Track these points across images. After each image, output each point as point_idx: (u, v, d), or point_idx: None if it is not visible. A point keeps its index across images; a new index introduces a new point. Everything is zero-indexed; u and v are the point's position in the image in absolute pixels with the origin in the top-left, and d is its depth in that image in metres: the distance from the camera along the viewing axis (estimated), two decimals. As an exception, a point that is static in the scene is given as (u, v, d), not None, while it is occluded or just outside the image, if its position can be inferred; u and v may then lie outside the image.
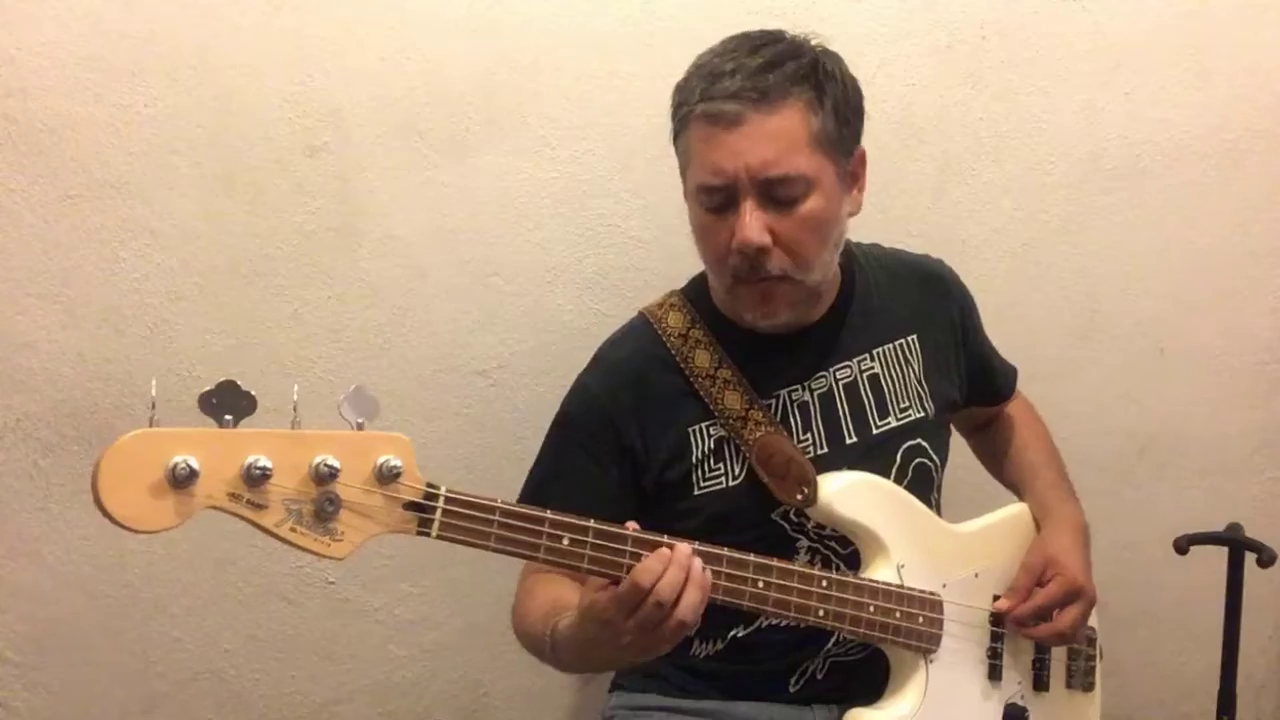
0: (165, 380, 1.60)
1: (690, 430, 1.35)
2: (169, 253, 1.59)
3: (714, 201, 1.27)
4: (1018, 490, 1.56)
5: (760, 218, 1.24)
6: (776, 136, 1.23)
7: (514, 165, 1.70)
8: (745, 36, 1.29)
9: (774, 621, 1.35)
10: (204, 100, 1.58)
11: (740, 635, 1.37)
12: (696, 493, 1.35)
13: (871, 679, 1.34)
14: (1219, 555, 1.60)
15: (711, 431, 1.35)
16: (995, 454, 1.62)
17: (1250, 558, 1.57)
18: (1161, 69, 1.88)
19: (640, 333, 1.41)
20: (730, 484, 1.35)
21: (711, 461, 1.35)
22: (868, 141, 1.81)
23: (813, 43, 1.31)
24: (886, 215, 1.81)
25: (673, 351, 1.36)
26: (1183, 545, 1.59)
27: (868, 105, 1.79)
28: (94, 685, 1.63)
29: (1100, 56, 1.87)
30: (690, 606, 1.09)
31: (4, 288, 1.55)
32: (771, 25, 1.74)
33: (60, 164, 1.54)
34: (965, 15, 1.82)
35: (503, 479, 1.71)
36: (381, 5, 1.63)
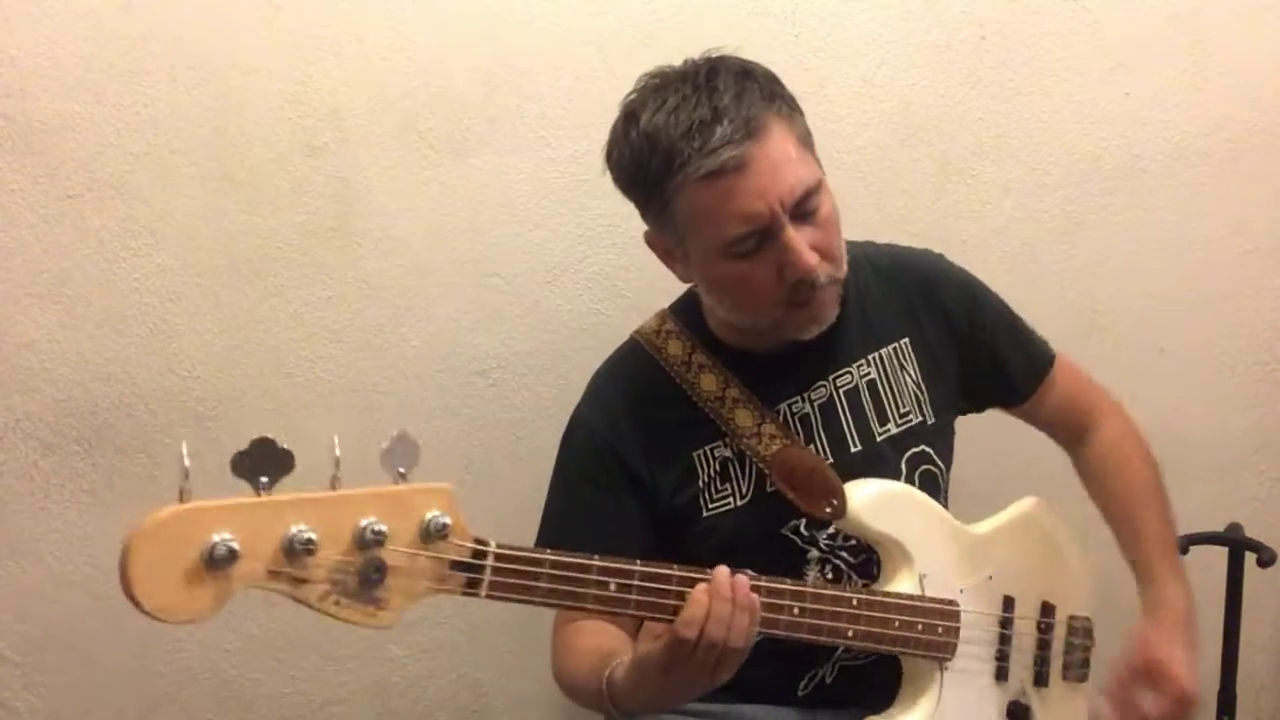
0: (165, 380, 1.61)
1: (695, 455, 1.34)
2: (169, 253, 1.59)
3: (747, 247, 1.21)
4: (1123, 546, 1.49)
5: (803, 238, 1.21)
6: (784, 158, 1.20)
7: (514, 165, 1.70)
8: (678, 79, 1.23)
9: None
10: (204, 100, 1.58)
11: None
12: (705, 515, 1.33)
13: (880, 683, 1.33)
14: (1219, 555, 1.60)
15: (716, 454, 1.34)
16: (1096, 493, 1.53)
17: (1250, 558, 1.57)
18: (1161, 69, 1.88)
19: (637, 361, 1.39)
20: (738, 503, 1.34)
21: (718, 483, 1.34)
22: (869, 141, 1.82)
23: (725, 54, 1.27)
24: (886, 215, 1.82)
25: (676, 379, 1.35)
26: (1183, 545, 1.59)
27: (868, 105, 1.81)
28: (94, 685, 1.63)
29: (1100, 56, 1.87)
30: (741, 632, 1.08)
31: (4, 288, 1.55)
32: (772, 26, 1.76)
33: (60, 164, 1.54)
34: (965, 15, 1.82)
35: (502, 479, 1.71)
36: (381, 5, 1.63)
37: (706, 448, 1.34)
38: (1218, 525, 1.63)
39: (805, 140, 1.26)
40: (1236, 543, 1.59)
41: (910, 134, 1.83)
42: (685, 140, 1.18)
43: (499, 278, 1.72)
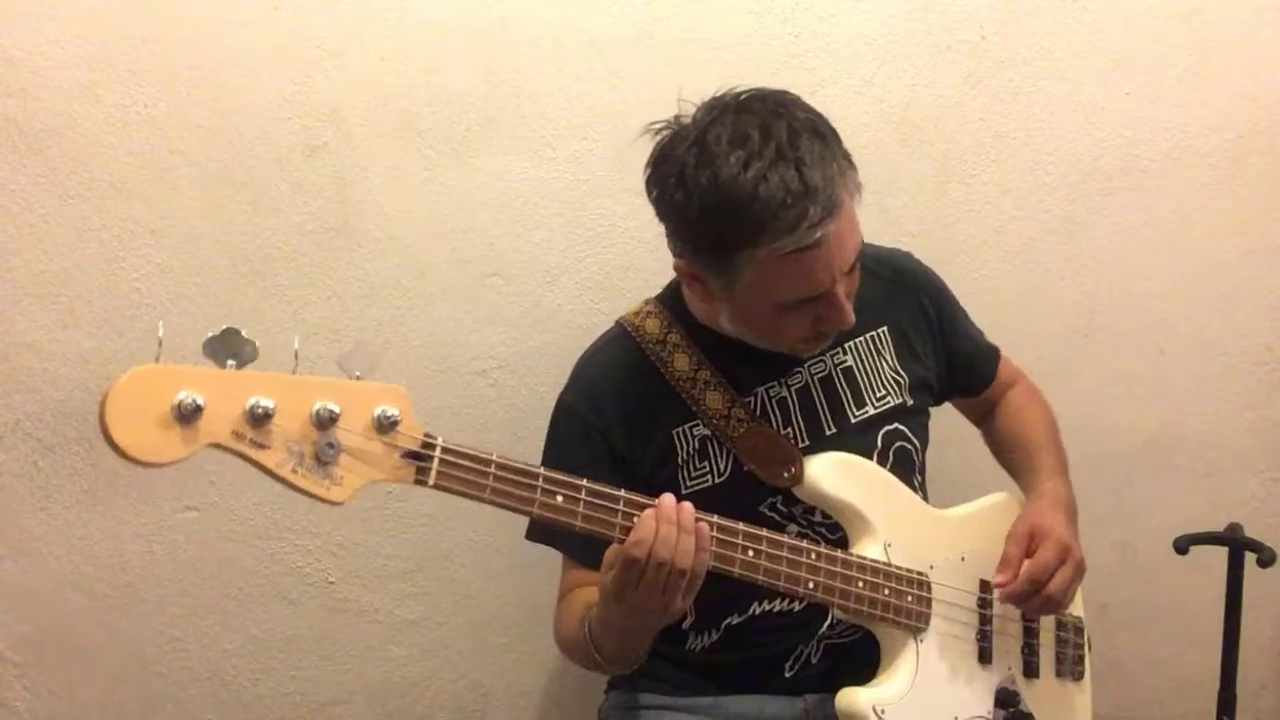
0: (165, 380, 1.61)
1: (674, 433, 1.38)
2: (169, 253, 1.59)
3: (799, 307, 1.28)
4: (1014, 473, 1.56)
5: (842, 292, 1.28)
6: (849, 231, 1.25)
7: (514, 165, 1.70)
8: (761, 137, 1.19)
9: (768, 608, 1.37)
10: (204, 100, 1.58)
11: (735, 623, 1.39)
12: (684, 492, 1.36)
13: (864, 664, 1.34)
14: (1219, 555, 1.60)
15: (695, 432, 1.38)
16: (997, 440, 1.63)
17: (1250, 558, 1.57)
18: (1161, 69, 1.88)
19: (618, 342, 1.43)
20: (716, 481, 1.37)
21: (697, 461, 1.38)
22: (869, 141, 1.82)
23: (783, 98, 1.25)
24: (887, 215, 1.82)
25: (651, 357, 1.39)
26: (1183, 545, 1.59)
27: (868, 105, 1.81)
28: (94, 685, 1.63)
29: (1100, 56, 1.87)
30: (687, 555, 1.13)
31: (4, 288, 1.55)
32: (772, 25, 1.76)
33: (60, 164, 1.54)
34: (965, 15, 1.82)
35: (503, 479, 1.71)
36: (381, 5, 1.63)
37: (685, 426, 1.38)
38: (1218, 525, 1.62)
39: (857, 198, 1.29)
40: (1236, 543, 1.58)
41: (910, 134, 1.83)
42: (774, 217, 1.17)
43: (499, 278, 1.72)
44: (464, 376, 1.72)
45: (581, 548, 1.30)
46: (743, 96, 1.25)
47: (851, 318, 1.28)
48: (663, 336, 1.39)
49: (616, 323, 1.46)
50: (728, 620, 1.39)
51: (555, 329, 1.73)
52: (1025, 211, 1.88)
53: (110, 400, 0.91)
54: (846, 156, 1.26)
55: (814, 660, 1.39)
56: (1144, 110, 1.89)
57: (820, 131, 1.24)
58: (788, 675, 1.39)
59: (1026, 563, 1.35)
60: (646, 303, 1.45)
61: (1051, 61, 1.85)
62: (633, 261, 1.75)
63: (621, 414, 1.37)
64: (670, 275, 1.49)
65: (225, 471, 1.62)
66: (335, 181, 1.64)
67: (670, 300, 1.44)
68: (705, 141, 1.21)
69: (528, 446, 1.72)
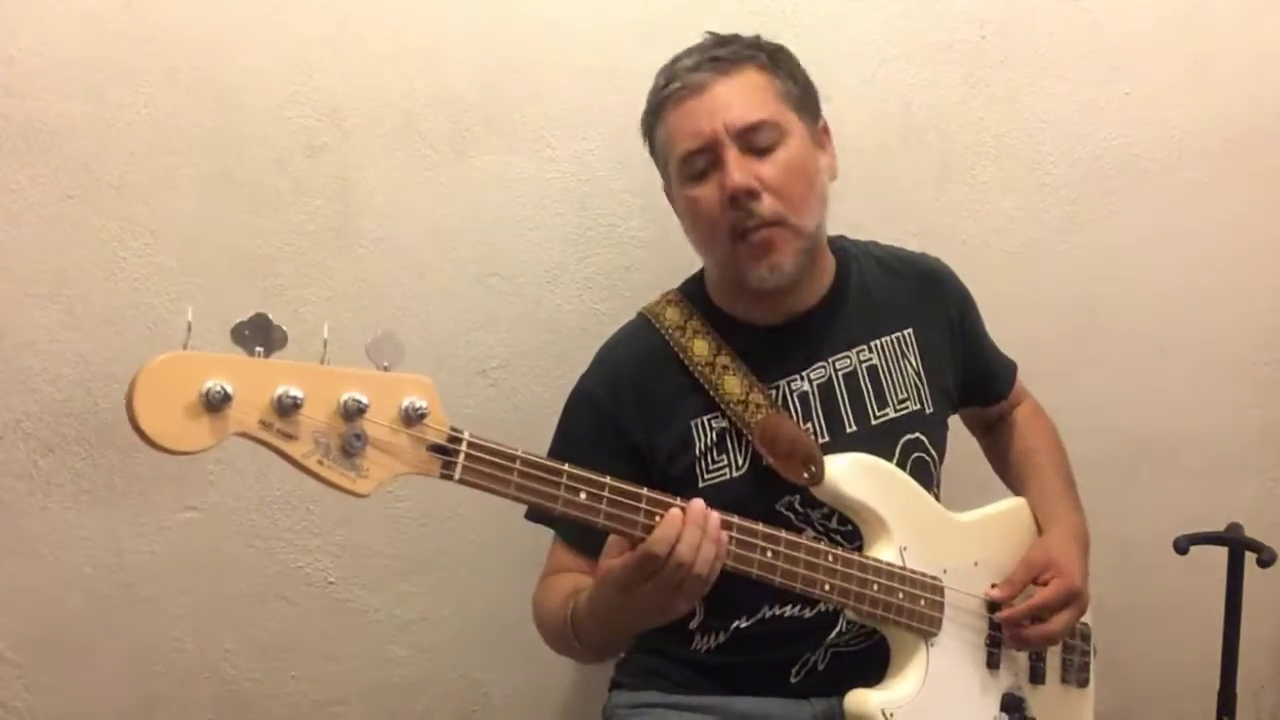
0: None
1: (692, 424, 1.37)
2: (169, 253, 1.59)
3: (698, 168, 1.32)
4: (1021, 494, 1.55)
5: (744, 164, 1.29)
6: (744, 90, 1.31)
7: (514, 165, 1.70)
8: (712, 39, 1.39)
9: (778, 613, 1.36)
10: (204, 100, 1.58)
11: (743, 626, 1.38)
12: (701, 485, 1.36)
13: (871, 670, 1.34)
14: (1219, 555, 1.60)
15: (714, 424, 1.37)
16: (1002, 456, 1.63)
17: (1250, 558, 1.57)
18: (1161, 69, 1.89)
19: (638, 332, 1.44)
20: (734, 474, 1.36)
21: (715, 454, 1.37)
22: (869, 141, 1.82)
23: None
24: (887, 215, 1.82)
25: (671, 344, 1.39)
26: (1183, 545, 1.59)
27: (868, 105, 1.81)
28: (94, 685, 1.63)
29: (1100, 56, 1.87)
30: (706, 561, 1.13)
31: (4, 288, 1.55)
32: (772, 25, 1.75)
33: (60, 164, 1.54)
34: (965, 15, 1.82)
35: (503, 479, 1.71)
36: (381, 5, 1.63)
37: (704, 418, 1.37)
38: (1218, 525, 1.63)
39: (788, 96, 1.34)
40: (1236, 543, 1.59)
41: (910, 134, 1.83)
42: (664, 72, 1.36)
43: (499, 278, 1.72)
44: (464, 376, 1.72)
45: (580, 533, 1.30)
46: None
47: (739, 178, 1.28)
48: (682, 323, 1.40)
49: (638, 314, 1.46)
50: (735, 623, 1.38)
51: (555, 329, 1.73)
52: (1025, 211, 1.88)
53: (138, 385, 0.88)
54: (780, 62, 1.36)
55: (820, 667, 1.38)
56: (1144, 110, 1.89)
57: (756, 42, 1.37)
58: (794, 681, 1.39)
59: (1033, 592, 1.37)
60: (667, 294, 1.46)
61: (1051, 61, 1.85)
62: (633, 261, 1.75)
63: (639, 403, 1.38)
64: (674, 277, 1.49)
65: (225, 472, 1.62)
66: (335, 181, 1.64)
67: (690, 288, 1.45)
68: None
69: (528, 446, 1.71)
